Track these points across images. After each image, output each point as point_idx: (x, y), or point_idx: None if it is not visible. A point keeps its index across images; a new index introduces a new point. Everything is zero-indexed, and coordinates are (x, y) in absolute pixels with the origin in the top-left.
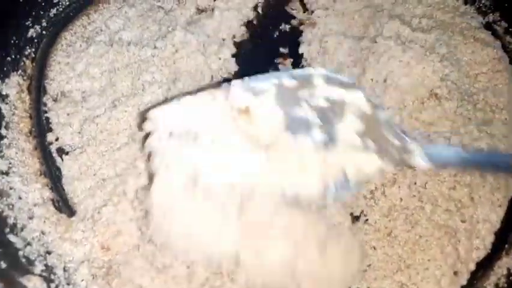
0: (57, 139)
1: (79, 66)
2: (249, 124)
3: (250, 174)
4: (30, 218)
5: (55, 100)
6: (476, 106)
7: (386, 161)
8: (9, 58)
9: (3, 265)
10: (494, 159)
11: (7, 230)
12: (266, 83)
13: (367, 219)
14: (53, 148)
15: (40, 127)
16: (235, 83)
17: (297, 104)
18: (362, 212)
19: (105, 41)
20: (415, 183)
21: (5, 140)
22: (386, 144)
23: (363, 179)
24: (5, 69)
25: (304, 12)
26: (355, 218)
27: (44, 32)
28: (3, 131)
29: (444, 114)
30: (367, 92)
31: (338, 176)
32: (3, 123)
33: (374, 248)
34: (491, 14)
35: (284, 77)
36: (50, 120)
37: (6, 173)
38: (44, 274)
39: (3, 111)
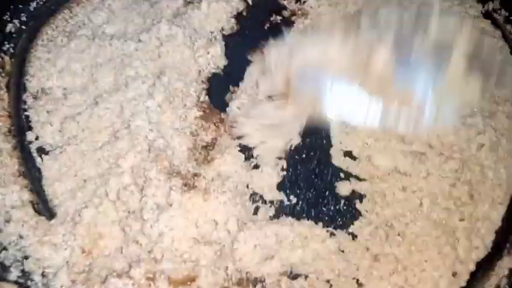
0: (37, 138)
1: (60, 61)
2: None
3: None
4: (7, 221)
5: (35, 97)
6: (484, 96)
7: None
8: None
9: None
10: None
11: None
12: None
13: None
14: (33, 148)
15: (19, 126)
16: None
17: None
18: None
19: (87, 35)
20: (413, 179)
21: None
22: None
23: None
24: None
25: (296, 2)
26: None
27: (23, 27)
28: None
29: None
30: None
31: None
32: None
33: (368, 249)
34: (490, 2)
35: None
36: (30, 119)
37: None
38: (20, 280)
39: None
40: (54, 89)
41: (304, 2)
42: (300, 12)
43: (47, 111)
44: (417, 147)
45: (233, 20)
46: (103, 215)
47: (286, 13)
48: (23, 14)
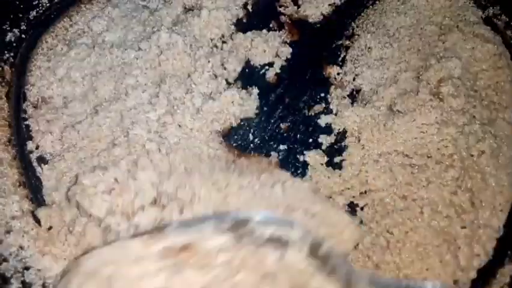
0: (37, 147)
1: (60, 70)
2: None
3: None
4: (8, 232)
5: (35, 107)
6: (483, 103)
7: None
8: None
9: None
10: None
11: None
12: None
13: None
14: (33, 157)
15: (20, 135)
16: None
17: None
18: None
19: (87, 44)
20: (414, 188)
21: None
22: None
23: None
24: None
25: (295, 6)
26: None
27: (23, 36)
28: None
29: (450, 112)
30: None
31: None
32: None
33: (368, 257)
34: (491, 8)
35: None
36: (30, 128)
37: None
38: None
39: None
40: (55, 97)
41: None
42: (297, 15)
43: (47, 121)
44: (416, 161)
45: (233, 27)
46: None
47: (284, 18)
48: (22, 23)
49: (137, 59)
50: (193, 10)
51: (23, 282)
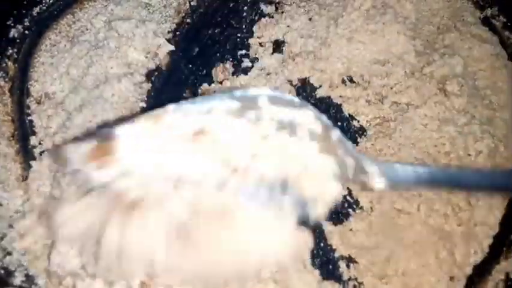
0: (40, 143)
1: (63, 67)
2: (209, 145)
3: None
4: (11, 226)
5: (38, 102)
6: (483, 102)
7: (342, 182)
8: None
9: None
10: (463, 178)
11: None
12: (211, 104)
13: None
14: (36, 152)
15: (23, 131)
16: (178, 106)
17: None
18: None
19: (90, 41)
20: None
21: None
22: (341, 164)
23: (323, 205)
24: None
25: None
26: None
27: (26, 32)
28: None
29: (452, 111)
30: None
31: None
32: None
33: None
34: (489, 9)
35: (226, 100)
36: (33, 124)
37: None
38: (24, 285)
39: None
40: (57, 93)
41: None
42: None
43: (50, 116)
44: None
45: None
46: None
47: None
48: (26, 20)
49: None
50: None
51: (27, 276)
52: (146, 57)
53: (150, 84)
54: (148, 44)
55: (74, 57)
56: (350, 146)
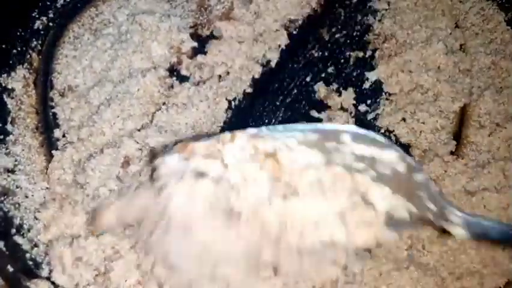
0: (64, 135)
1: (86, 59)
2: (276, 169)
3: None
4: (37, 218)
5: (62, 95)
6: None
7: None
8: (14, 51)
9: (10, 269)
10: None
11: (13, 231)
12: (290, 133)
13: None
14: (60, 145)
15: (47, 123)
16: (260, 129)
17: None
18: None
19: (113, 34)
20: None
21: (11, 137)
22: (421, 207)
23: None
24: (10, 62)
25: None
26: None
27: (50, 24)
28: (9, 127)
29: None
30: None
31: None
32: (9, 119)
33: None
34: None
35: (307, 131)
36: (57, 116)
37: (12, 171)
38: (51, 277)
39: (9, 106)
40: (81, 86)
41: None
42: None
43: (73, 109)
44: None
45: None
46: None
47: None
48: (50, 11)
49: None
50: None
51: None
52: (170, 52)
53: (173, 79)
54: (172, 39)
55: (97, 51)
56: (435, 191)
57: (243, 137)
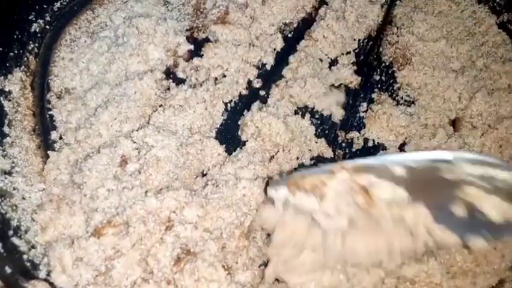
0: (61, 137)
1: (83, 62)
2: (368, 204)
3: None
4: (33, 219)
5: (59, 97)
6: None
7: None
8: (11, 53)
9: (8, 270)
10: None
11: (11, 232)
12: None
13: None
14: (57, 147)
15: (44, 125)
16: (357, 161)
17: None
18: None
19: (110, 37)
20: None
21: (8, 139)
22: None
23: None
24: (7, 64)
25: None
26: None
27: (47, 27)
28: (6, 129)
29: None
30: None
31: None
32: (6, 121)
33: None
34: (505, 14)
35: (394, 166)
36: (54, 118)
37: (9, 173)
38: (48, 278)
39: (6, 108)
40: (78, 89)
41: None
42: None
43: (70, 111)
44: None
45: None
46: None
47: None
48: (47, 14)
49: None
50: None
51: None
52: (166, 54)
53: (170, 82)
54: (169, 42)
55: (94, 53)
56: None
57: (344, 171)
